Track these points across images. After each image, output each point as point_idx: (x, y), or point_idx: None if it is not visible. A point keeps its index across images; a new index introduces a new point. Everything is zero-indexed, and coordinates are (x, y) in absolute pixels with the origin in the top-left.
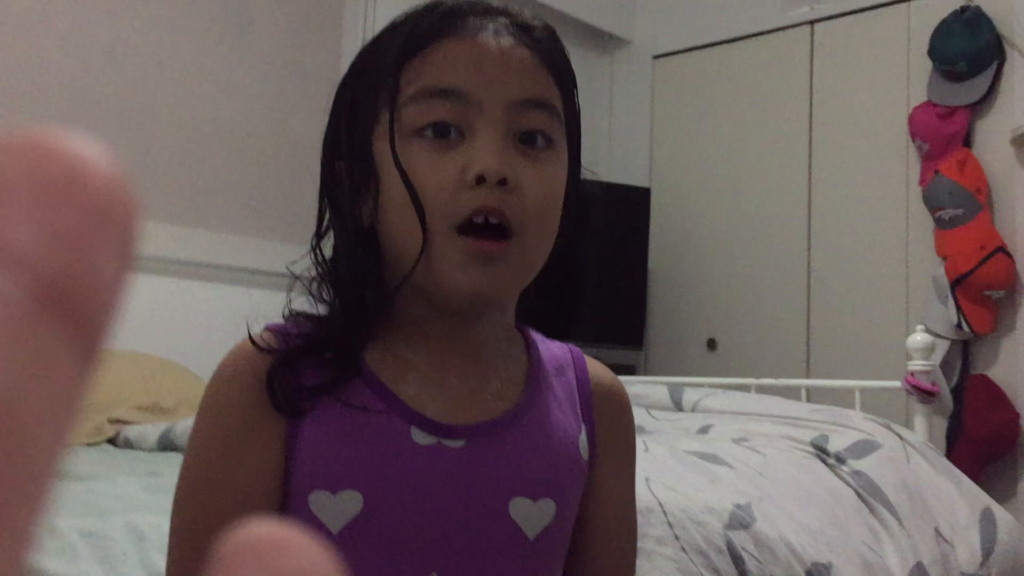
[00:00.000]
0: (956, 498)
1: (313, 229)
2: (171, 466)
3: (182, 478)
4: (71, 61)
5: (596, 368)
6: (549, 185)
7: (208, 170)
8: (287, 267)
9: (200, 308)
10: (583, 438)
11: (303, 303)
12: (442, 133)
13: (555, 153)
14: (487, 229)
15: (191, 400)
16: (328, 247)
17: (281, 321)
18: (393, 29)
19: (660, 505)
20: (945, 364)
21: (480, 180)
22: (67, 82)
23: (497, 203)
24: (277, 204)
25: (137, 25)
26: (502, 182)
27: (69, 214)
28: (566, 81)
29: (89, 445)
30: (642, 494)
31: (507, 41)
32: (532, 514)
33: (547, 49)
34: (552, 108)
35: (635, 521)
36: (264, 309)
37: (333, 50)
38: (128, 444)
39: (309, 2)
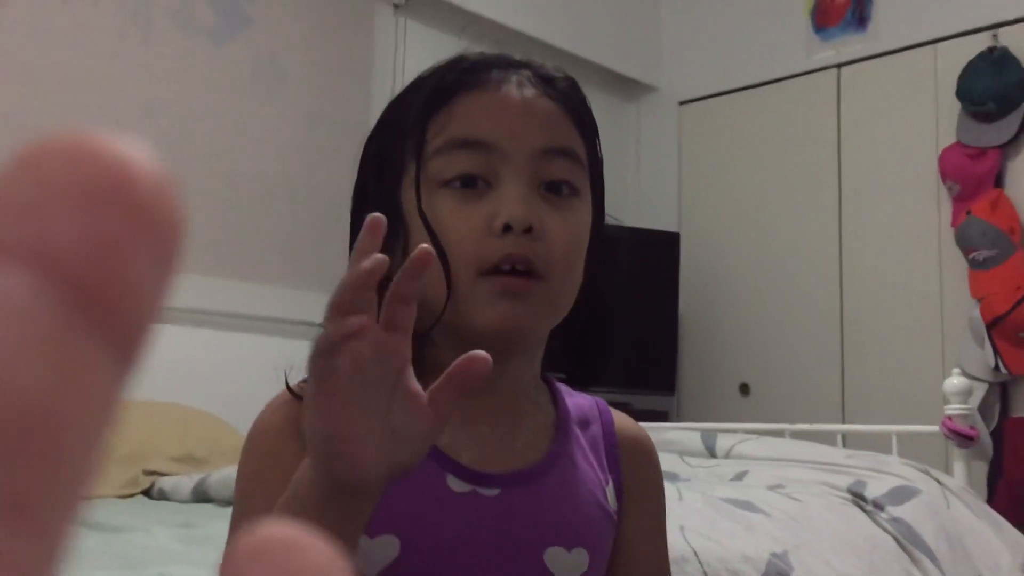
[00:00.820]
0: (998, 544)
1: None
2: (205, 517)
3: (230, 526)
4: (110, 117)
5: (622, 420)
6: (574, 231)
7: (241, 222)
8: (321, 324)
9: (233, 359)
10: (610, 490)
11: None
12: (468, 183)
13: (579, 200)
14: (514, 273)
15: (225, 451)
16: None
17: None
18: (419, 83)
19: (695, 554)
20: (983, 407)
21: (507, 228)
22: None
23: (524, 251)
24: (310, 254)
25: (173, 82)
26: (528, 230)
27: (110, 219)
28: (588, 130)
29: (124, 497)
30: (677, 542)
31: (530, 92)
32: (567, 564)
33: (569, 99)
34: (575, 156)
35: (668, 573)
36: (298, 359)
37: (363, 103)
38: (163, 495)
39: (339, 56)
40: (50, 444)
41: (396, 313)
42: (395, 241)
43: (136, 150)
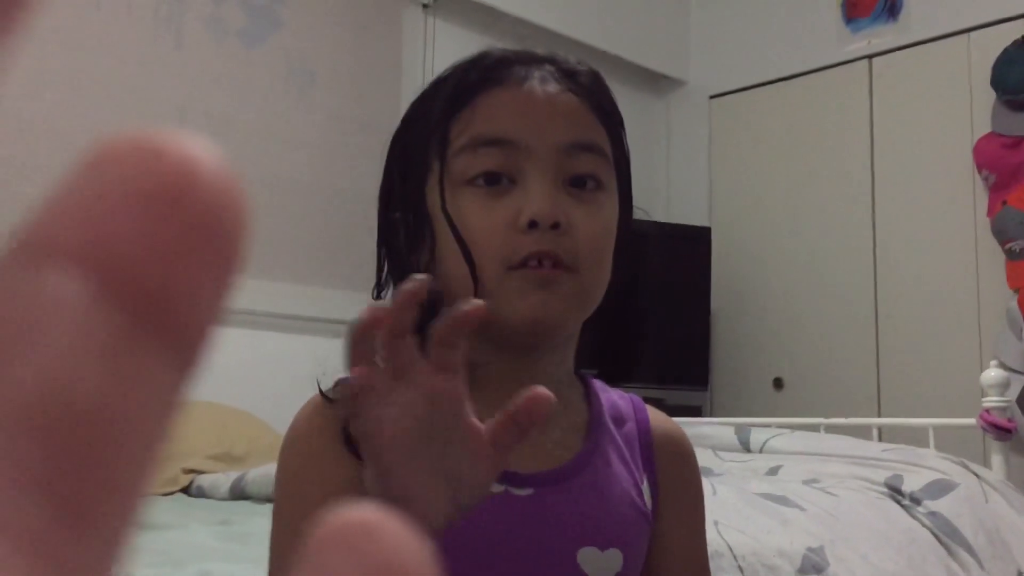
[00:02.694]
0: None
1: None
2: (243, 514)
3: (272, 531)
4: (143, 121)
5: (658, 418)
6: (600, 225)
7: (274, 223)
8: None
9: (268, 358)
10: (646, 488)
11: None
12: (493, 181)
13: (605, 194)
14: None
15: (262, 449)
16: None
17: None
18: (441, 82)
19: (730, 549)
20: (1022, 399)
21: (533, 225)
22: None
23: (551, 246)
24: (342, 254)
25: (205, 86)
26: (555, 226)
27: (173, 224)
28: (613, 123)
29: (164, 495)
30: (711, 537)
31: (553, 87)
32: (600, 564)
33: (593, 93)
34: (600, 150)
35: (708, 573)
36: (331, 358)
37: (393, 103)
38: (201, 493)
39: (369, 57)
40: (108, 448)
41: (444, 356)
42: (422, 241)
43: (201, 153)
